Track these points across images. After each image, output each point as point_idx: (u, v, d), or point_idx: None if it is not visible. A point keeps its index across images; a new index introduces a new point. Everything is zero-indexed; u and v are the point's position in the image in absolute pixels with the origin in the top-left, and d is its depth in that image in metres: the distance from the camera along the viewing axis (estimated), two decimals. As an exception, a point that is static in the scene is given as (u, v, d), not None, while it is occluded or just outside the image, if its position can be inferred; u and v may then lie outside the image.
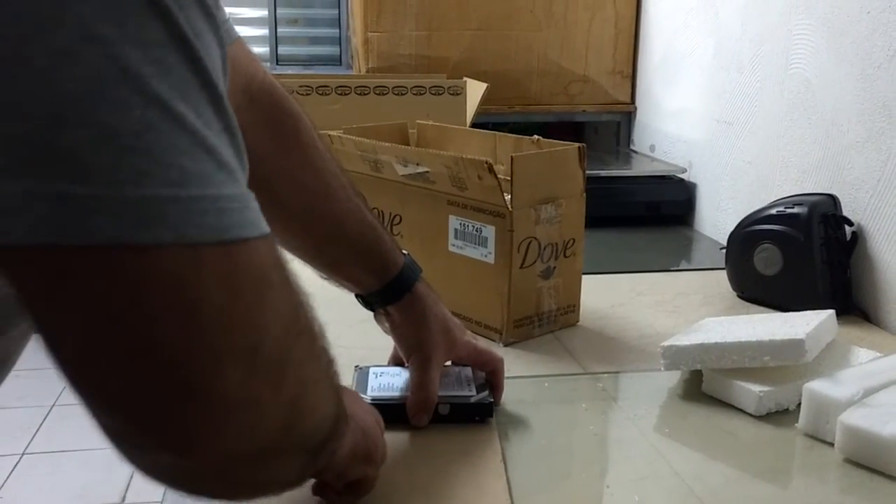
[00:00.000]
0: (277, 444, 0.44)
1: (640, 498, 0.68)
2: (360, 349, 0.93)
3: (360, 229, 0.78)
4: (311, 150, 0.77)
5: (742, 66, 1.45)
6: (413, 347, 0.80)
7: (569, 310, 1.05)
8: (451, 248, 1.02)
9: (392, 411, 0.75)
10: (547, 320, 1.02)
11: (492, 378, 0.83)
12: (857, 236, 1.12)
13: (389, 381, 0.81)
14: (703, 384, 0.86)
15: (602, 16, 1.92)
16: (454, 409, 0.78)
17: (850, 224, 1.12)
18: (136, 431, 0.39)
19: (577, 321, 1.06)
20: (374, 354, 0.86)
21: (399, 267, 0.79)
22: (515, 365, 0.93)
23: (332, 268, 0.81)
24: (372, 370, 0.83)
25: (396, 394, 0.79)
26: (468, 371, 0.83)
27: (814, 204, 1.10)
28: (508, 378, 0.84)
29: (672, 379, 0.90)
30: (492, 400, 0.80)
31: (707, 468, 0.74)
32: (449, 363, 0.83)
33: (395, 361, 0.86)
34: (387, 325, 0.82)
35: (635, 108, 1.97)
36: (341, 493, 0.64)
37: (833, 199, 1.13)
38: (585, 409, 0.84)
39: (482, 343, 0.84)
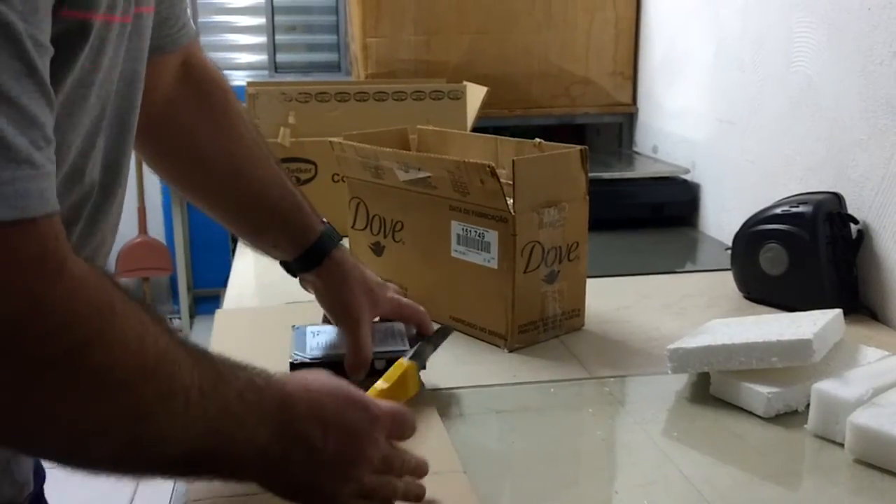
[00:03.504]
0: None
1: (650, 503, 0.68)
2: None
3: (280, 194, 0.84)
4: (238, 119, 0.83)
5: (743, 65, 1.44)
6: (339, 313, 0.84)
7: (574, 314, 1.04)
8: (453, 254, 1.02)
9: (331, 368, 0.75)
10: (552, 325, 1.02)
11: (421, 330, 0.88)
12: (863, 234, 1.11)
13: (326, 339, 0.86)
14: (711, 386, 0.85)
15: (602, 17, 1.92)
16: (389, 363, 0.82)
17: (856, 222, 1.11)
18: None
19: (583, 325, 1.05)
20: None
21: (317, 234, 0.84)
22: (521, 371, 0.92)
23: (256, 233, 0.88)
24: (309, 329, 0.88)
25: (334, 351, 0.84)
26: (400, 326, 0.88)
27: (819, 202, 1.09)
28: (513, 384, 0.83)
29: (679, 382, 0.89)
30: None
31: (716, 471, 0.73)
32: (377, 319, 0.87)
33: (328, 320, 0.90)
34: (311, 291, 0.87)
35: (637, 110, 1.97)
36: None
37: (838, 198, 1.12)
38: (592, 414, 0.84)
39: (406, 300, 0.90)
